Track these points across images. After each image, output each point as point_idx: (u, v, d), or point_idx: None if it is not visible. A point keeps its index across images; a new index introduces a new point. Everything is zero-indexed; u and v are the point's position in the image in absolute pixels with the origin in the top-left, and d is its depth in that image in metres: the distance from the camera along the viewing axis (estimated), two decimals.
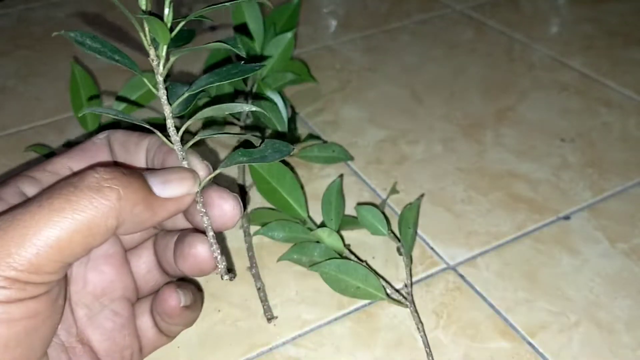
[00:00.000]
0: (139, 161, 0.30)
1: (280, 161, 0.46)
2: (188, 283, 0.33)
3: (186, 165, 0.28)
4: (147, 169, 0.29)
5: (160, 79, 0.27)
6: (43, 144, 0.58)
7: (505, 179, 0.53)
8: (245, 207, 0.49)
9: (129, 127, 0.56)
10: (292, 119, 0.56)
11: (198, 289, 0.35)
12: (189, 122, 0.28)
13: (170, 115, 0.28)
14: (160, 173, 0.27)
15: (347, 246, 0.44)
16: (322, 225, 0.45)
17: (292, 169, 0.52)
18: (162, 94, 0.28)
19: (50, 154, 0.53)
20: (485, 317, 0.41)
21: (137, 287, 0.33)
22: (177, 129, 0.28)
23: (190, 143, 0.29)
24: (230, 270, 0.30)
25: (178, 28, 0.27)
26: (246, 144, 0.29)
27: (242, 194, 0.50)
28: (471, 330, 0.40)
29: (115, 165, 0.29)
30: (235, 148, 0.51)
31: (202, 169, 0.29)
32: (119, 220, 0.25)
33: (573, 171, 0.53)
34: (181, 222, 0.31)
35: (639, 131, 0.58)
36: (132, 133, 0.31)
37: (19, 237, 0.23)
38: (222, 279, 0.30)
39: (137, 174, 0.26)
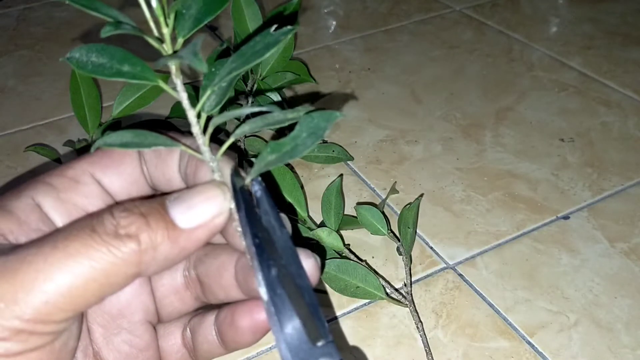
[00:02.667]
0: (172, 170, 0.27)
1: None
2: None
3: (218, 178, 0.24)
4: (171, 192, 0.25)
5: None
6: (43, 143, 0.58)
7: (505, 179, 0.53)
8: None
9: (158, 124, 0.55)
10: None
11: None
12: (230, 141, 0.24)
13: (196, 121, 0.24)
14: (182, 198, 0.23)
15: (347, 246, 0.44)
16: (322, 225, 0.45)
17: (292, 169, 0.53)
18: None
19: (56, 160, 0.53)
20: (484, 317, 0.41)
21: (158, 309, 0.29)
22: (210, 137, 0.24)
23: (224, 148, 0.24)
24: None
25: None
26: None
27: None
28: (470, 329, 0.40)
29: (138, 200, 0.24)
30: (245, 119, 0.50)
31: (226, 169, 0.25)
32: (141, 267, 0.22)
33: (572, 171, 0.53)
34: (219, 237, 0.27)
35: (638, 131, 0.58)
36: (162, 133, 0.27)
37: (28, 281, 0.21)
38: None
39: (156, 210, 0.23)
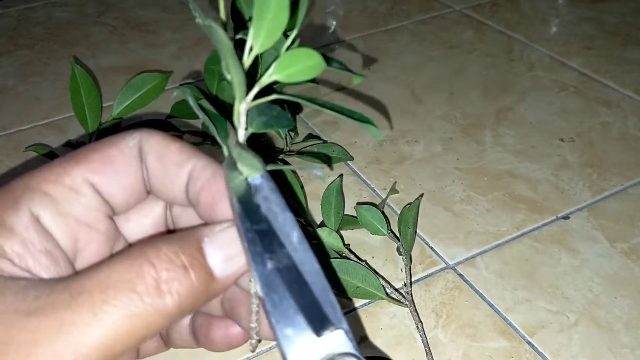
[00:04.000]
0: (178, 188, 0.25)
1: (280, 161, 0.46)
2: None
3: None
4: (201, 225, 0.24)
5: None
6: (43, 144, 0.58)
7: (505, 179, 0.53)
8: None
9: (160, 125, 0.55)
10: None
11: None
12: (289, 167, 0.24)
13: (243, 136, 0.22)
14: (219, 244, 0.23)
15: (347, 246, 0.44)
16: (322, 225, 0.45)
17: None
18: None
19: (50, 154, 0.53)
20: (484, 317, 0.41)
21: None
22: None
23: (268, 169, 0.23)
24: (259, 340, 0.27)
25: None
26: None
27: None
28: (470, 329, 0.40)
29: (175, 242, 0.23)
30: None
31: None
32: (176, 318, 0.22)
33: (572, 171, 0.53)
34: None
35: (638, 131, 0.58)
36: (172, 142, 0.25)
37: (62, 340, 0.19)
38: (251, 349, 0.27)
39: (198, 261, 0.22)
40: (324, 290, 0.22)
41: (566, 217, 0.49)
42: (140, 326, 0.20)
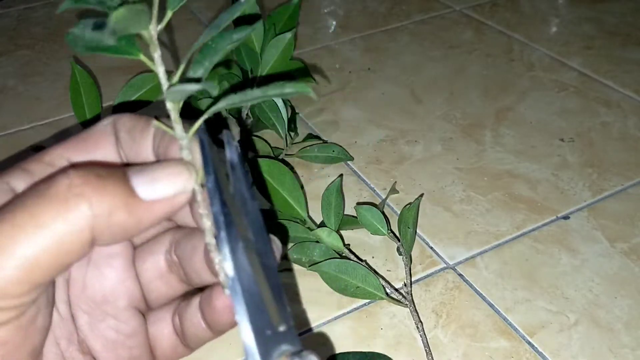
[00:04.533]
0: (146, 150, 0.26)
1: (280, 161, 0.46)
2: None
3: (186, 157, 0.23)
4: (131, 165, 0.25)
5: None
6: (42, 145, 0.58)
7: (505, 179, 0.53)
8: None
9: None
10: (292, 119, 0.57)
11: None
12: (203, 118, 0.23)
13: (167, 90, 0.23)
14: (147, 170, 0.23)
15: (347, 246, 0.44)
16: (322, 225, 0.45)
17: (292, 169, 0.53)
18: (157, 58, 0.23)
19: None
20: (484, 317, 0.41)
21: (145, 294, 0.28)
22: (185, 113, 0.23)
23: (196, 126, 0.23)
24: None
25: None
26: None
27: None
28: (470, 329, 0.40)
29: (93, 164, 0.24)
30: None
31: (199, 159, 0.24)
32: (94, 233, 0.21)
33: (572, 171, 0.53)
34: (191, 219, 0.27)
35: (638, 131, 0.58)
36: (141, 117, 0.26)
37: None
38: (224, 291, 0.27)
39: (116, 175, 0.22)
40: (277, 287, 0.22)
41: (566, 217, 0.49)
42: (54, 241, 0.20)
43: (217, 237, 0.22)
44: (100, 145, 0.26)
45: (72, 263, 0.22)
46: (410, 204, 0.46)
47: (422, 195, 0.51)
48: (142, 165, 0.23)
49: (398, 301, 0.42)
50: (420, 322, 0.40)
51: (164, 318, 0.28)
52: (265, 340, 0.21)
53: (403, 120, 0.60)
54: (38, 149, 0.54)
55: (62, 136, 0.59)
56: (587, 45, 0.72)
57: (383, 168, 0.54)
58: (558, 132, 0.58)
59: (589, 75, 0.67)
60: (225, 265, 0.21)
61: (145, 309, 0.28)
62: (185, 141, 0.23)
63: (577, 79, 0.66)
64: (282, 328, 0.21)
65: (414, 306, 0.41)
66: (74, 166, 0.23)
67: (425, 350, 0.39)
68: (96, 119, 0.53)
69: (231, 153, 0.24)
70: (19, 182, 0.24)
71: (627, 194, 0.51)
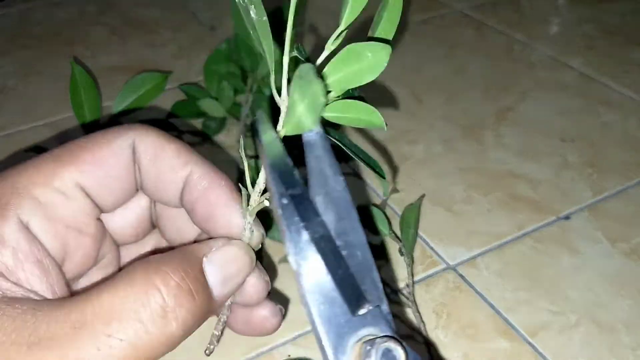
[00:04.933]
0: (171, 191, 0.25)
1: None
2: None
3: (247, 232, 0.24)
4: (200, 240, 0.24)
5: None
6: (42, 146, 0.58)
7: (506, 179, 0.53)
8: None
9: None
10: None
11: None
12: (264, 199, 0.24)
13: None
14: (218, 262, 0.23)
15: None
16: None
17: None
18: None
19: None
20: (485, 317, 0.41)
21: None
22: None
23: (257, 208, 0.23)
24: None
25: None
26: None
27: None
28: (471, 330, 0.40)
29: (176, 260, 0.22)
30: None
31: (258, 237, 0.24)
32: (177, 344, 0.21)
33: (573, 171, 0.53)
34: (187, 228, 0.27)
35: (639, 131, 0.58)
36: (168, 142, 0.24)
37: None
38: (207, 353, 0.27)
39: (201, 284, 0.22)
40: (365, 264, 0.20)
41: (567, 217, 0.49)
42: (144, 354, 0.20)
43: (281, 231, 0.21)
44: (117, 174, 0.24)
45: None
46: (411, 204, 0.45)
47: (423, 195, 0.51)
48: (210, 249, 0.23)
49: (400, 302, 0.41)
50: (422, 322, 0.40)
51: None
52: (340, 329, 0.19)
53: (403, 120, 0.60)
54: (38, 149, 0.54)
55: (62, 136, 0.59)
56: (587, 45, 0.72)
57: (383, 168, 0.54)
58: (559, 132, 0.58)
59: (589, 75, 0.66)
60: (290, 260, 0.20)
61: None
62: (250, 220, 0.23)
63: (578, 79, 0.66)
64: (362, 311, 0.20)
65: (416, 306, 0.41)
66: (153, 253, 0.23)
67: (427, 350, 0.39)
68: (96, 120, 0.53)
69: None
70: (32, 216, 0.22)
71: (628, 194, 0.51)
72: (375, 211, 0.44)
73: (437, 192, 0.51)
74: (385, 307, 0.20)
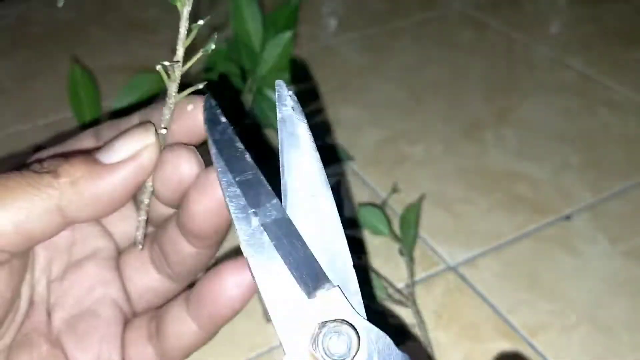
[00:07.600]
0: None
1: None
2: None
3: (166, 117, 0.24)
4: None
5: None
6: (42, 145, 0.58)
7: (506, 179, 0.53)
8: None
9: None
10: None
11: None
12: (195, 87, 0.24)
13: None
14: (109, 142, 0.24)
15: None
16: None
17: None
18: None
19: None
20: (485, 318, 0.41)
21: (130, 297, 0.27)
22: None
23: (189, 90, 0.24)
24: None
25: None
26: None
27: None
28: (472, 330, 0.40)
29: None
30: None
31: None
32: (62, 202, 0.22)
33: (573, 171, 0.53)
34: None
35: (639, 131, 0.58)
36: (119, 122, 0.26)
37: None
38: (138, 247, 0.26)
39: (82, 154, 0.24)
40: (335, 240, 0.19)
41: (567, 218, 0.49)
42: (19, 209, 0.22)
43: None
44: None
45: (40, 234, 0.23)
46: (412, 204, 0.45)
47: (423, 195, 0.51)
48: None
49: (400, 302, 0.41)
50: (423, 322, 0.40)
51: (142, 336, 0.27)
52: (291, 313, 0.19)
53: (403, 121, 0.60)
54: (38, 149, 0.54)
55: (62, 137, 0.59)
56: (587, 45, 0.72)
57: (383, 168, 0.54)
58: (559, 132, 0.58)
59: (589, 75, 0.66)
60: (242, 248, 0.20)
61: (129, 312, 0.27)
62: (172, 100, 0.23)
63: (578, 79, 0.66)
64: (321, 292, 0.19)
65: (417, 307, 0.41)
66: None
67: (427, 350, 0.39)
68: (96, 120, 0.53)
69: (281, 106, 0.23)
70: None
71: (629, 195, 0.51)
72: (376, 211, 0.44)
73: (437, 192, 0.51)
74: (353, 286, 0.19)
